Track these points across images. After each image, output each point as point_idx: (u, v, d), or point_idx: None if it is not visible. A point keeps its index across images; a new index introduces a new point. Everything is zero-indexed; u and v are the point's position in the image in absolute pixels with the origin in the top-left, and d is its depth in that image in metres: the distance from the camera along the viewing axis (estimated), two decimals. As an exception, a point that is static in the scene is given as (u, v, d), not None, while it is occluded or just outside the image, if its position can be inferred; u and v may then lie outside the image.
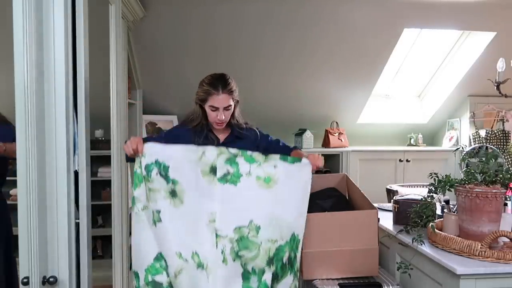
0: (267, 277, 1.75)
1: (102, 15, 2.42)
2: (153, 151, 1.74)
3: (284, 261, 1.78)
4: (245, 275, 1.73)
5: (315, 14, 3.30)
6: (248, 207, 1.76)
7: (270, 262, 1.75)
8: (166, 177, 1.73)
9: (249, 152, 1.79)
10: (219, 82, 1.95)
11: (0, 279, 2.30)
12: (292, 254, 1.81)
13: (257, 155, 1.79)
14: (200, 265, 1.71)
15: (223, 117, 1.96)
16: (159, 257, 1.75)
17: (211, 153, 1.76)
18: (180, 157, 1.74)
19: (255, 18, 3.30)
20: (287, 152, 2.06)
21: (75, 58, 1.54)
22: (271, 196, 1.77)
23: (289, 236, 1.79)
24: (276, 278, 1.77)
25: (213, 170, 1.76)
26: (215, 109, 1.95)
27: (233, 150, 1.78)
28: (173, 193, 1.74)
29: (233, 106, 1.99)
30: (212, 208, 1.74)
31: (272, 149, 2.10)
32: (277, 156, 1.81)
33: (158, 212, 1.73)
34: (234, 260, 1.72)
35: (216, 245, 1.72)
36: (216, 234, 1.73)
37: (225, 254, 1.72)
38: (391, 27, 3.49)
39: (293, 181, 1.80)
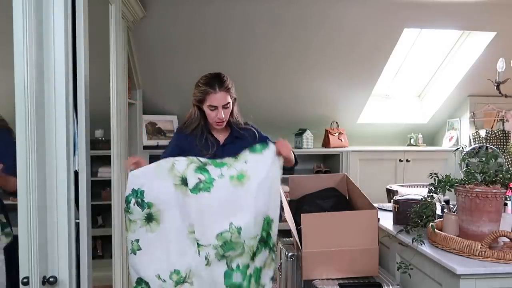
0: (251, 270, 1.79)
1: (102, 15, 2.42)
2: (132, 180, 1.76)
3: (257, 245, 1.81)
4: (227, 273, 1.76)
5: (315, 15, 3.30)
6: (225, 210, 1.76)
7: (253, 256, 1.80)
8: (141, 203, 1.75)
9: (218, 160, 1.81)
10: (215, 81, 1.95)
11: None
12: (264, 234, 1.83)
13: (227, 159, 1.81)
14: (179, 283, 1.75)
15: (223, 116, 1.96)
16: (139, 281, 1.80)
17: (181, 163, 1.77)
18: (152, 176, 1.76)
19: (258, 18, 3.30)
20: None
21: (75, 58, 1.54)
22: (246, 192, 1.77)
23: (262, 222, 1.81)
24: (252, 258, 1.80)
25: (184, 181, 1.76)
26: (214, 108, 1.95)
27: (203, 159, 1.80)
28: (148, 218, 1.76)
29: (231, 104, 2.00)
30: (190, 220, 1.75)
31: None
32: (247, 151, 1.83)
33: (137, 241, 1.77)
34: (219, 260, 1.75)
35: (199, 253, 1.75)
36: (197, 243, 1.75)
37: (209, 259, 1.74)
38: (391, 27, 3.49)
39: (264, 169, 1.81)
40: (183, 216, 1.76)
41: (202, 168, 1.77)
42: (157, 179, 1.75)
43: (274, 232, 1.85)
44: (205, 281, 1.76)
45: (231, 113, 2.03)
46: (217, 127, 2.02)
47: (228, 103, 1.97)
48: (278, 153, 1.85)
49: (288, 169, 2.07)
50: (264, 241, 1.83)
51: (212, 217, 1.75)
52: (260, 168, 1.80)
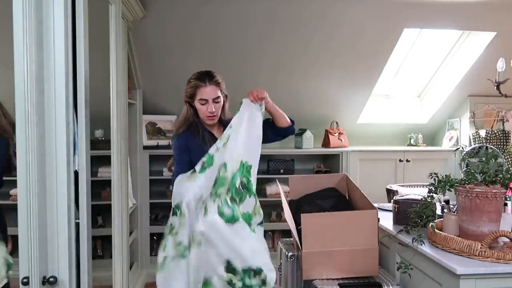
0: (240, 210, 1.93)
1: (102, 15, 2.42)
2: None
3: (237, 186, 1.92)
4: (221, 210, 1.89)
5: (316, 15, 3.30)
6: (218, 167, 1.93)
7: (237, 191, 1.93)
8: (174, 211, 1.98)
9: (212, 149, 1.96)
10: (205, 75, 2.02)
11: None
12: (244, 180, 1.94)
13: (218, 141, 1.98)
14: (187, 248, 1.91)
15: (213, 109, 2.00)
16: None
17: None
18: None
19: (258, 19, 3.30)
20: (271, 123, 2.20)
21: (75, 58, 1.54)
22: (229, 146, 1.94)
23: (238, 166, 1.93)
24: (235, 202, 1.92)
25: (194, 170, 1.95)
26: (205, 101, 2.00)
27: (204, 158, 1.95)
28: (180, 216, 1.94)
29: (222, 100, 2.04)
30: (199, 194, 1.92)
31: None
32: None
33: (180, 243, 1.95)
34: (213, 203, 1.89)
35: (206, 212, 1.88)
36: (205, 207, 1.88)
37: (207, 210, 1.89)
38: (391, 27, 3.49)
39: (243, 122, 1.96)
40: (195, 195, 1.92)
41: (207, 157, 1.96)
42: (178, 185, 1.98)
43: (254, 178, 1.96)
44: (209, 236, 1.87)
45: (223, 110, 2.07)
46: (209, 122, 2.04)
47: (219, 97, 2.02)
48: (257, 99, 1.98)
49: (287, 132, 2.23)
50: (246, 188, 1.93)
51: (212, 179, 1.93)
52: (240, 123, 1.96)
